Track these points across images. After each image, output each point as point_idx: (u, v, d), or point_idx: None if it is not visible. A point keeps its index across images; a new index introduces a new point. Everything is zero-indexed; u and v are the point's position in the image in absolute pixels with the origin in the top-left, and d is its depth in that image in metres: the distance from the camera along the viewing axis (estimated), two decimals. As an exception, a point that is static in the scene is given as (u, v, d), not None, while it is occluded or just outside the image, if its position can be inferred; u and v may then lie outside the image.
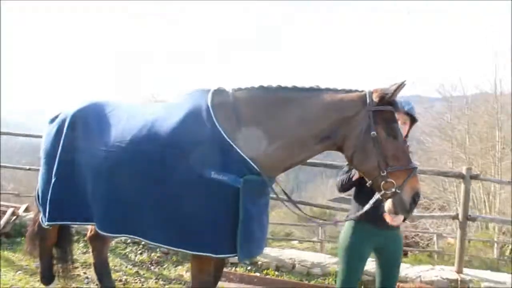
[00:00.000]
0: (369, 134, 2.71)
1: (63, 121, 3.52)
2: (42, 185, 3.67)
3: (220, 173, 2.84)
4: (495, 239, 16.34)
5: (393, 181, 2.65)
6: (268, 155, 2.89)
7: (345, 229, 3.32)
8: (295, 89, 2.94)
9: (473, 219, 5.38)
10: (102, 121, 3.41)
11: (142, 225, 3.14)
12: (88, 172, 3.32)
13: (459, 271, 5.25)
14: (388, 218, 2.90)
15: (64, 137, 3.45)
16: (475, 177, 5.20)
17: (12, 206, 6.54)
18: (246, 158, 2.85)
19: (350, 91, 2.89)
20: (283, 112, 2.92)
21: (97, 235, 4.09)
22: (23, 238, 5.99)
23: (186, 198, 2.91)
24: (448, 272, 5.29)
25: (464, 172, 5.14)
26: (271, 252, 5.80)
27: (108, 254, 5.49)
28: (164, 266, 5.55)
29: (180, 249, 3.11)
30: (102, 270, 4.32)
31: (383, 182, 2.68)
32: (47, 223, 3.56)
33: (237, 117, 2.94)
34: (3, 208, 6.43)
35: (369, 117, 2.73)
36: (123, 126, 3.27)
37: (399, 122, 2.96)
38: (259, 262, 5.54)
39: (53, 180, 3.46)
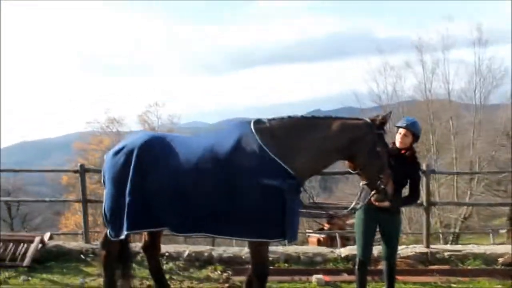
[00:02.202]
0: (375, 150, 4.15)
1: (131, 152, 4.47)
2: (110, 205, 4.53)
3: (270, 180, 4.10)
4: (440, 231, 18.52)
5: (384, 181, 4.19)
6: (300, 163, 4.19)
7: (358, 213, 4.64)
8: (315, 117, 4.34)
9: (434, 204, 6.91)
10: (166, 150, 4.48)
11: (215, 224, 4.28)
12: (163, 190, 4.36)
13: (427, 246, 6.72)
14: (377, 203, 4.35)
15: (134, 165, 4.40)
16: (432, 172, 6.75)
17: (38, 235, 7.21)
18: (286, 166, 4.13)
19: (356, 119, 4.32)
20: (310, 133, 4.27)
21: (150, 244, 5.10)
22: (52, 263, 6.78)
23: (247, 200, 4.13)
24: (419, 248, 6.74)
25: (424, 168, 6.65)
26: (278, 249, 6.99)
27: (139, 266, 6.46)
28: (191, 271, 6.54)
29: (246, 238, 4.32)
30: (158, 272, 5.23)
31: (379, 182, 4.16)
32: (126, 232, 4.41)
33: (275, 138, 4.22)
34: (30, 238, 7.11)
35: (375, 138, 4.18)
36: (185, 152, 4.41)
37: (400, 134, 4.52)
38: (270, 258, 6.68)
39: (127, 199, 4.39)
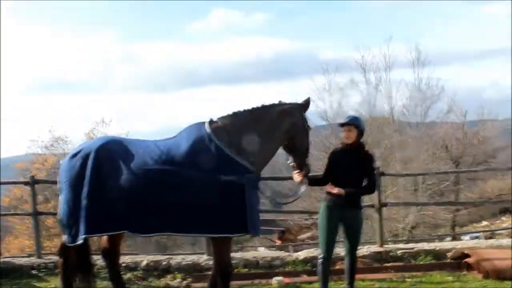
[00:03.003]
0: (306, 131, 4.64)
1: (87, 155, 4.42)
2: (67, 210, 4.44)
3: (227, 176, 4.20)
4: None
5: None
6: (255, 156, 4.38)
7: (321, 211, 4.80)
8: (255, 109, 4.54)
9: (385, 205, 7.27)
10: (124, 153, 4.48)
11: (177, 223, 4.31)
12: (122, 192, 4.33)
13: (381, 245, 6.99)
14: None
15: (91, 168, 4.35)
16: (382, 174, 7.11)
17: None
18: (242, 162, 4.25)
19: (287, 103, 4.66)
20: (257, 126, 4.48)
21: (110, 248, 4.99)
22: (1, 280, 6.45)
23: (208, 198, 4.21)
24: (373, 247, 7.00)
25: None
26: (236, 254, 7.02)
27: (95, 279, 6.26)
28: (150, 280, 6.43)
29: (209, 234, 4.39)
30: (119, 280, 5.12)
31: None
32: (83, 236, 4.32)
33: (229, 136, 4.36)
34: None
35: (305, 119, 4.65)
36: (143, 155, 4.42)
37: (345, 131, 4.75)
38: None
39: (84, 202, 4.31)
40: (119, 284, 5.12)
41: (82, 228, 4.34)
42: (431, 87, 25.63)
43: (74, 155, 4.57)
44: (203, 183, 4.22)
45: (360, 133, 4.74)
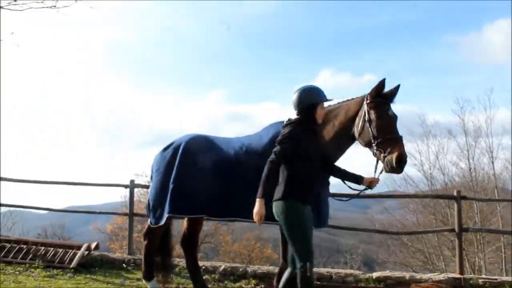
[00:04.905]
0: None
1: (177, 147, 4.99)
2: (154, 194, 4.99)
3: None
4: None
5: None
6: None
7: (289, 211, 3.93)
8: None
9: (466, 230, 6.96)
10: (209, 145, 4.98)
11: (249, 210, 4.56)
12: (204, 179, 4.75)
13: (461, 273, 6.71)
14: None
15: (179, 157, 4.87)
16: (464, 198, 6.89)
17: (86, 243, 7.68)
18: None
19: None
20: (335, 120, 4.64)
21: (189, 239, 5.45)
22: (96, 268, 7.19)
23: None
24: (452, 274, 6.73)
25: (455, 194, 6.83)
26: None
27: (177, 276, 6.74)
28: (226, 283, 6.77)
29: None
30: (195, 269, 5.53)
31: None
32: (167, 215, 4.76)
33: None
34: (78, 245, 7.59)
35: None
36: (226, 147, 4.90)
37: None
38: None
39: (170, 187, 4.80)
40: (196, 274, 5.51)
41: (166, 209, 4.80)
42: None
43: (166, 148, 5.16)
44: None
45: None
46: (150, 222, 5.04)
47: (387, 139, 4.17)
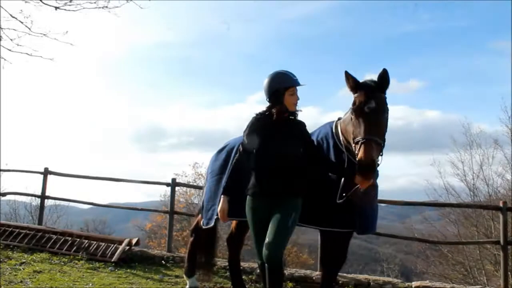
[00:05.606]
0: None
1: (231, 149, 4.97)
2: (208, 195, 5.01)
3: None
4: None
5: None
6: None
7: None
8: None
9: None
10: None
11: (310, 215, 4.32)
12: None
13: (506, 286, 6.48)
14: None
15: (232, 159, 4.78)
16: (510, 209, 6.65)
17: (127, 238, 7.90)
18: (353, 160, 4.12)
19: None
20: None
21: (235, 237, 5.49)
22: (136, 264, 7.37)
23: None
24: None
25: (501, 205, 6.60)
26: (348, 274, 7.09)
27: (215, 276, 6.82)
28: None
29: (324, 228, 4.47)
30: (236, 268, 5.56)
31: None
32: (215, 217, 4.71)
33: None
34: (120, 239, 7.82)
35: None
36: None
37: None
38: (340, 281, 6.80)
39: (222, 189, 4.64)
40: (236, 273, 5.54)
41: (216, 211, 4.73)
42: None
43: (221, 150, 5.19)
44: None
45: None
46: (202, 223, 5.05)
47: (355, 143, 3.76)
